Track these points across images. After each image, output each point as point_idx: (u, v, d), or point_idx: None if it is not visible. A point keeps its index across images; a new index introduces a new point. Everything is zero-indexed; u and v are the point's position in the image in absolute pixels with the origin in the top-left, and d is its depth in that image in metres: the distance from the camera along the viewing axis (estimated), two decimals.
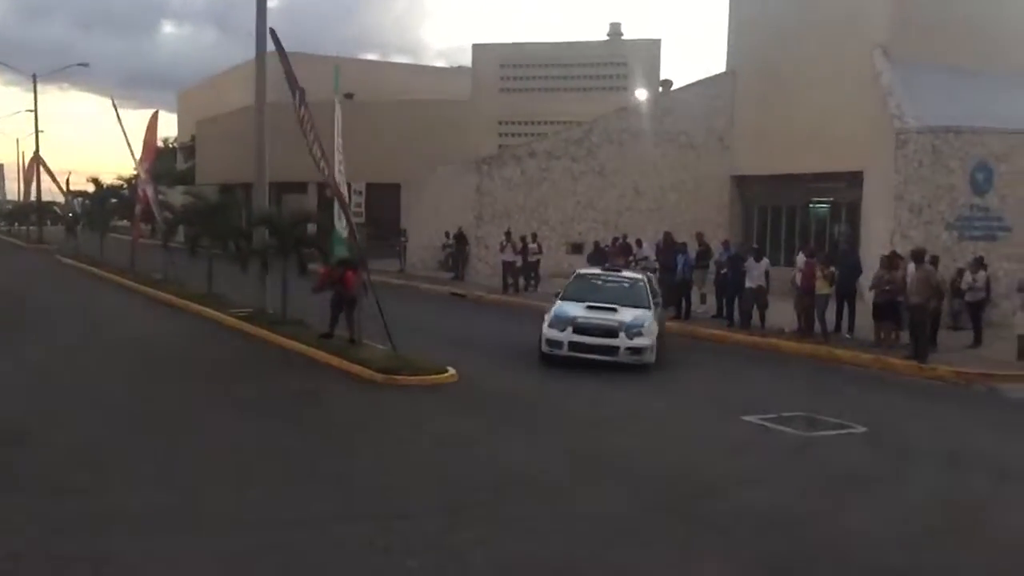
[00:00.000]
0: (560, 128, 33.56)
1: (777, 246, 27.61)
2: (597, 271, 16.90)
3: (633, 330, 13.93)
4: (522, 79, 42.86)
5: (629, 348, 13.84)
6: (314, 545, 6.53)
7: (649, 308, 14.66)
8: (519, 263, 26.12)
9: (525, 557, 6.44)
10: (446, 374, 12.80)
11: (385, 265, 28.35)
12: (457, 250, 29.57)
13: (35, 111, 51.92)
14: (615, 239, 25.78)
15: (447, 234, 30.42)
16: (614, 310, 14.23)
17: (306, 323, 16.44)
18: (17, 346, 15.25)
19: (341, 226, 15.62)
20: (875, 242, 20.51)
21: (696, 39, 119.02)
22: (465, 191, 30.83)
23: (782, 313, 17.98)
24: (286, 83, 15.43)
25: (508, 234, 26.77)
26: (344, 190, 15.73)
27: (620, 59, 42.75)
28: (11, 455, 8.72)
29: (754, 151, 28.50)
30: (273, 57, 16.34)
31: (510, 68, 42.76)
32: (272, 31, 16.22)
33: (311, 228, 18.64)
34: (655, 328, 14.33)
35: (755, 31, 28.69)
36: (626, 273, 16.44)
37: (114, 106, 30.47)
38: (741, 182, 30.24)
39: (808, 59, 25.71)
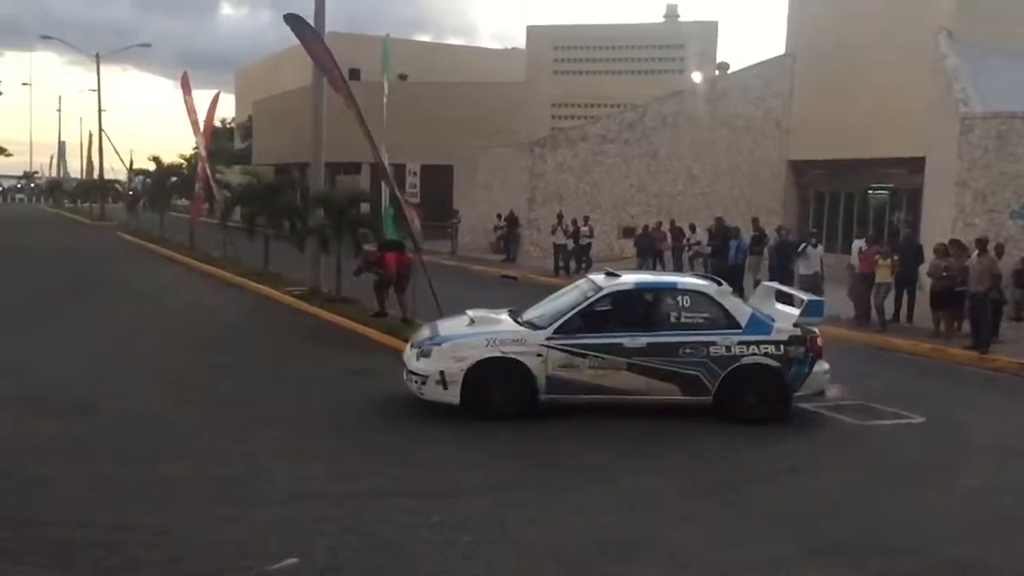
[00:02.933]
0: (614, 111, 33.36)
1: (833, 233, 27.17)
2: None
3: (425, 346, 9.76)
4: (576, 61, 42.65)
5: (410, 372, 9.78)
6: (369, 519, 6.65)
7: (534, 327, 9.71)
8: (571, 246, 26.07)
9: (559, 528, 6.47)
10: None
11: (437, 246, 28.51)
12: (509, 232, 29.62)
13: (98, 90, 53.09)
14: (658, 223, 25.59)
15: (499, 216, 30.48)
16: (472, 322, 10.24)
17: (360, 302, 16.63)
18: (80, 320, 15.71)
19: (390, 206, 15.78)
20: (936, 229, 20.05)
21: (754, 22, 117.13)
22: (518, 173, 30.83)
23: (837, 301, 17.70)
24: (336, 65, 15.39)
25: (560, 217, 26.73)
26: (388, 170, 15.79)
27: (676, 41, 42.32)
28: (75, 425, 9.01)
29: (812, 135, 28.03)
30: (331, 37, 16.40)
31: (564, 50, 42.56)
32: (296, 17, 15.65)
33: (365, 208, 18.83)
34: (469, 352, 9.45)
35: (816, 13, 28.15)
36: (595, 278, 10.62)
37: (183, 84, 30.87)
38: (798, 167, 29.78)
39: (870, 42, 25.16)
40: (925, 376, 13.48)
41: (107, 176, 57.23)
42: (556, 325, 9.61)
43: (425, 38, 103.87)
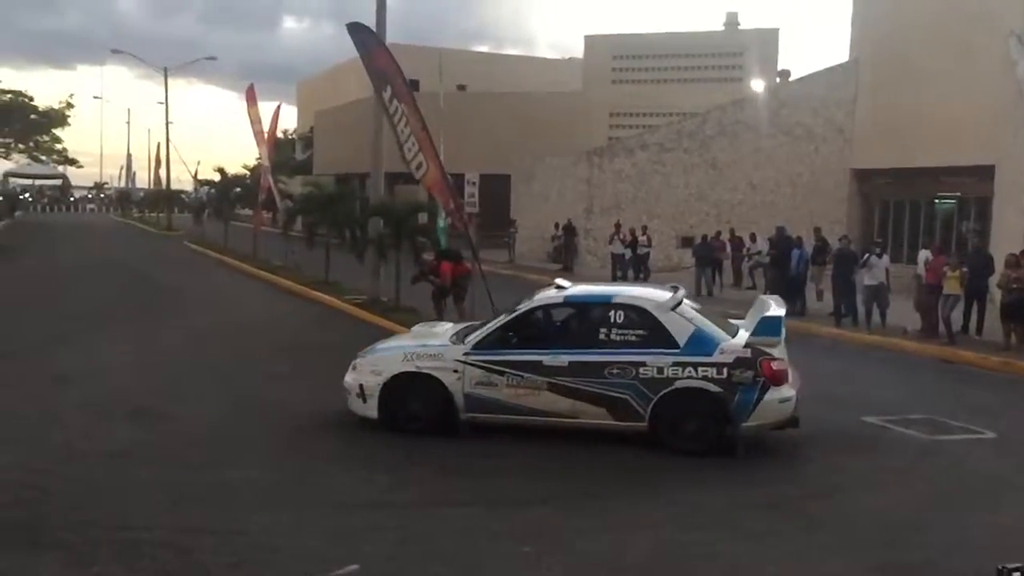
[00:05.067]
0: (673, 120, 33.13)
1: (899, 243, 26.56)
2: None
3: (356, 359, 9.68)
4: (634, 70, 42.54)
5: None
6: (425, 527, 6.68)
7: (454, 342, 9.26)
8: (628, 256, 25.93)
9: (616, 542, 6.42)
10: None
11: (494, 256, 28.60)
12: (566, 242, 29.58)
13: (166, 103, 54.46)
14: (718, 233, 25.33)
15: (556, 225, 30.46)
16: (414, 334, 10.42)
17: (418, 311, 16.75)
18: (149, 328, 16.10)
19: (443, 217, 15.94)
20: (1006, 239, 19.45)
21: (816, 29, 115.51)
22: (575, 183, 30.79)
23: (902, 312, 17.30)
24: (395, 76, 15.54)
25: (618, 226, 26.61)
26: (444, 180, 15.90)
27: (736, 49, 41.98)
28: (142, 430, 9.24)
29: (877, 143, 27.46)
30: (390, 49, 16.60)
31: (622, 59, 42.49)
32: (361, 27, 15.93)
33: (423, 218, 18.99)
34: (385, 366, 9.21)
35: (880, 19, 27.60)
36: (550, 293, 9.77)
37: (248, 96, 31.53)
38: (861, 176, 29.19)
39: (937, 47, 24.56)
40: (995, 390, 13.07)
41: (174, 187, 58.69)
42: (475, 340, 9.04)
43: (484, 49, 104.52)
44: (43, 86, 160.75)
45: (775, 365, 8.45)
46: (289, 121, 70.76)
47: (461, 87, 42.32)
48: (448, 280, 15.30)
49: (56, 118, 65.45)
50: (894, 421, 10.23)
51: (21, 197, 73.78)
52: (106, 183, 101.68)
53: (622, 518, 7.05)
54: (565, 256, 29.52)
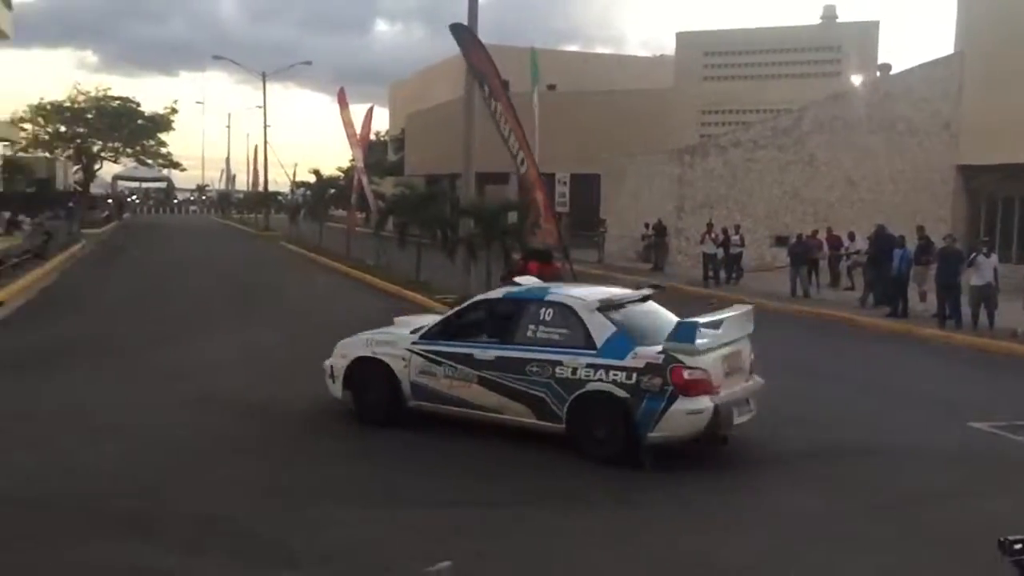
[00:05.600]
0: (767, 117, 32.41)
1: (1007, 241, 25.42)
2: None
3: None
4: (727, 67, 41.77)
5: None
6: (511, 526, 6.69)
7: (412, 331, 9.47)
8: (720, 255, 25.50)
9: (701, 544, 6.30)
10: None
11: (583, 255, 28.50)
12: (656, 241, 29.27)
13: (264, 107, 56.13)
14: (814, 232, 24.65)
15: (646, 225, 30.16)
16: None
17: None
18: (248, 326, 16.58)
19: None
20: None
21: (918, 21, 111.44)
22: (666, 181, 30.43)
23: (1011, 314, 16.53)
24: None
25: (710, 225, 26.18)
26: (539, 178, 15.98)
27: (834, 43, 40.81)
28: (244, 425, 9.51)
29: (984, 138, 26.31)
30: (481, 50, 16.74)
31: (715, 56, 41.77)
32: (463, 27, 16.33)
33: (512, 218, 19.06)
34: (350, 350, 9.65)
35: (987, 9, 26.46)
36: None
37: (340, 99, 32.27)
38: (968, 172, 28.02)
39: None
40: None
41: (271, 188, 60.35)
42: (423, 331, 9.27)
43: (573, 48, 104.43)
44: (149, 92, 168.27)
45: (687, 374, 7.82)
46: (381, 123, 72.05)
47: (551, 87, 42.31)
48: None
49: (161, 123, 68.11)
50: (1003, 427, 9.77)
51: (129, 199, 77.05)
52: (207, 185, 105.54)
53: (713, 521, 6.93)
54: (655, 256, 29.20)
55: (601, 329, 8.31)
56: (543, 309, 8.71)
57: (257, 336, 15.26)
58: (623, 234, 32.31)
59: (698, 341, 7.88)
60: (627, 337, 8.22)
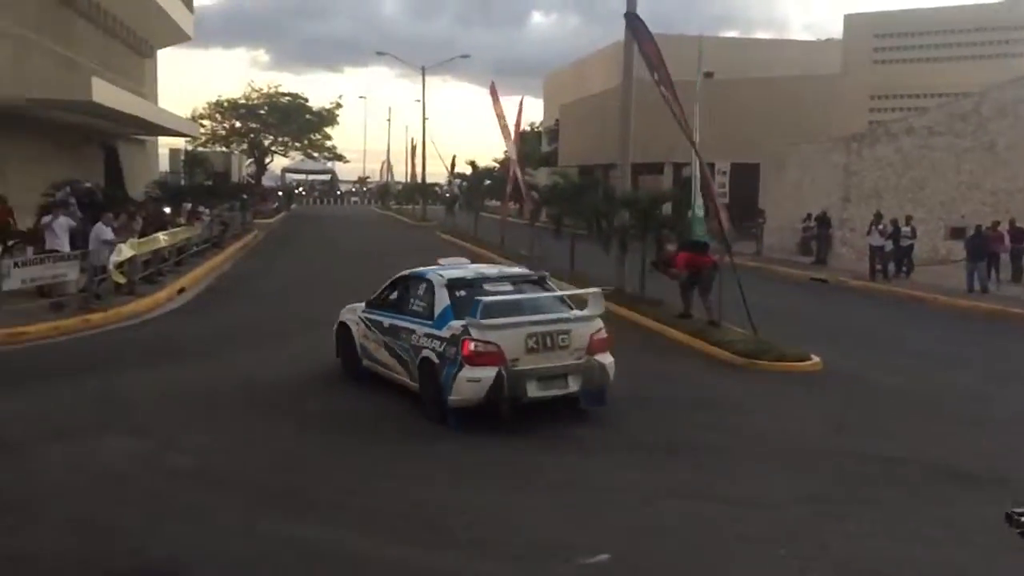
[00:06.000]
0: (943, 101, 30.48)
1: None
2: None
3: None
4: (899, 49, 39.66)
5: None
6: (674, 521, 6.56)
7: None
8: (889, 247, 24.20)
9: (888, 553, 5.96)
10: (810, 362, 12.24)
11: (740, 247, 27.64)
12: (819, 233, 28.11)
13: (423, 100, 57.56)
14: (995, 223, 22.94)
15: (808, 216, 29.02)
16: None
17: (664, 302, 16.57)
18: None
19: (699, 206, 15.62)
20: None
21: None
22: (830, 170, 29.17)
23: None
24: (645, 65, 15.58)
25: (878, 216, 24.89)
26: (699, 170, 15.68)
27: (1018, 22, 37.92)
28: (393, 404, 9.77)
29: None
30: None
31: (886, 38, 39.73)
32: (636, 17, 16.41)
33: (667, 209, 18.72)
34: (343, 314, 11.35)
35: None
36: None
37: (492, 92, 32.72)
38: None
39: None
40: None
41: (429, 179, 61.91)
42: (369, 300, 10.78)
43: (732, 34, 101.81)
44: (316, 88, 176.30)
45: (472, 345, 8.65)
46: (535, 114, 72.57)
47: (708, 74, 41.22)
48: (682, 270, 15.02)
49: (327, 118, 71.17)
50: None
51: (296, 191, 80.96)
52: (368, 177, 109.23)
53: (892, 527, 6.57)
54: (818, 248, 28.05)
55: (440, 303, 9.34)
56: (421, 284, 9.90)
57: None
58: (783, 225, 31.20)
59: (491, 320, 8.65)
60: (451, 312, 9.14)
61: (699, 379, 11.85)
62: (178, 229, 22.54)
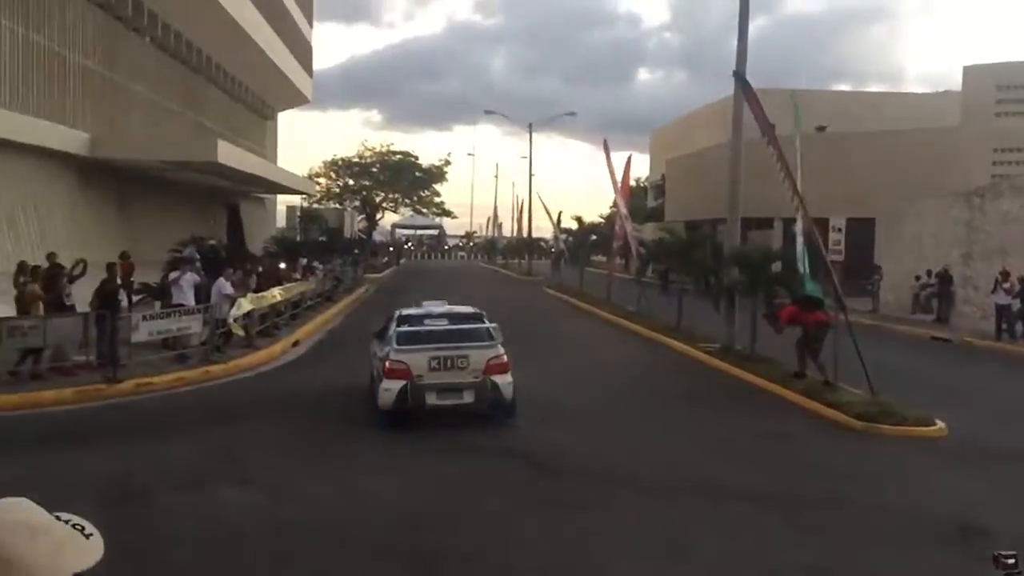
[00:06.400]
0: None
1: None
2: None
3: None
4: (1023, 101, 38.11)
5: None
6: None
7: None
8: (1017, 307, 23.00)
9: None
10: (934, 427, 11.66)
11: (856, 304, 26.79)
12: (940, 290, 26.96)
13: (530, 157, 58.40)
14: None
15: (928, 272, 27.92)
16: None
17: (774, 360, 16.14)
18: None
19: (803, 264, 15.27)
20: None
21: None
22: (951, 225, 28.06)
23: None
24: (754, 121, 15.51)
25: (1005, 274, 23.74)
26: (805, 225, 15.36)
27: None
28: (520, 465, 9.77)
29: None
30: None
31: (1010, 90, 38.36)
32: (741, 76, 16.46)
33: (777, 266, 18.34)
34: None
35: None
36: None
37: (605, 148, 33.01)
38: None
39: None
40: None
41: (535, 235, 62.49)
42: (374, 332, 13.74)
43: (844, 87, 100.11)
44: (425, 145, 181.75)
45: (387, 364, 11.36)
46: (641, 169, 72.61)
47: (821, 128, 40.61)
48: (782, 325, 14.68)
49: (436, 174, 72.94)
50: None
51: (405, 246, 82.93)
52: (475, 232, 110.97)
53: None
54: (940, 306, 26.89)
55: (392, 332, 11.85)
56: (390, 318, 12.61)
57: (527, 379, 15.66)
58: (900, 282, 30.09)
59: (403, 346, 11.41)
60: (396, 340, 11.58)
61: (813, 443, 11.44)
62: (293, 284, 23.35)
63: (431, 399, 11.16)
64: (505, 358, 11.52)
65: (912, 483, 9.65)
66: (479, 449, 10.42)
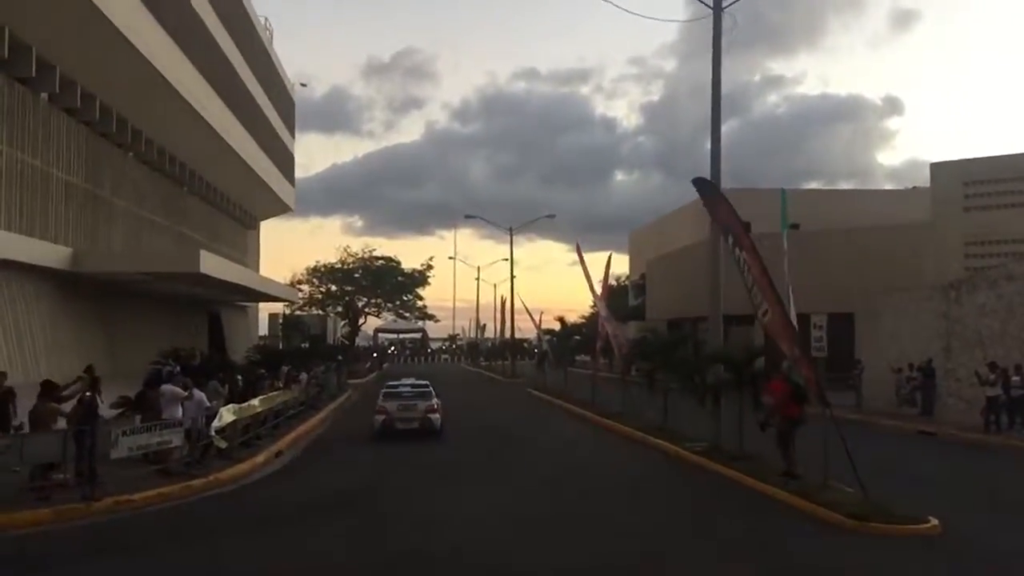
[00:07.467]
0: None
1: None
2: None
3: None
4: (991, 195, 39.13)
5: None
6: None
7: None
8: (1003, 398, 23.06)
9: None
10: (927, 524, 11.51)
11: (838, 398, 26.72)
12: (924, 383, 27.05)
13: (511, 260, 59.02)
14: None
15: (910, 366, 28.05)
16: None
17: (762, 458, 16.01)
18: (496, 474, 16.86)
19: (785, 363, 15.35)
20: None
21: None
22: (928, 319, 28.34)
23: None
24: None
25: (992, 366, 23.85)
26: (793, 320, 15.47)
27: None
28: None
29: None
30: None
31: (976, 185, 39.36)
32: (702, 180, 16.72)
33: (760, 363, 18.39)
34: None
35: None
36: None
37: (579, 252, 33.49)
38: None
39: None
40: None
41: (518, 335, 62.51)
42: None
43: (815, 186, 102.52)
44: (407, 250, 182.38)
45: (377, 407, 22.88)
46: (621, 267, 73.37)
47: (794, 226, 41.33)
48: (778, 397, 14.69)
49: (418, 279, 73.42)
50: None
51: (388, 350, 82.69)
52: (458, 335, 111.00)
53: None
54: (923, 399, 26.93)
55: (381, 392, 23.38)
56: (384, 386, 23.74)
57: (504, 485, 15.43)
58: (880, 376, 30.19)
59: (385, 401, 22.70)
60: (381, 396, 23.21)
61: (804, 544, 11.25)
62: (275, 393, 23.11)
63: (398, 425, 21.97)
64: (436, 405, 22.67)
65: None
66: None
